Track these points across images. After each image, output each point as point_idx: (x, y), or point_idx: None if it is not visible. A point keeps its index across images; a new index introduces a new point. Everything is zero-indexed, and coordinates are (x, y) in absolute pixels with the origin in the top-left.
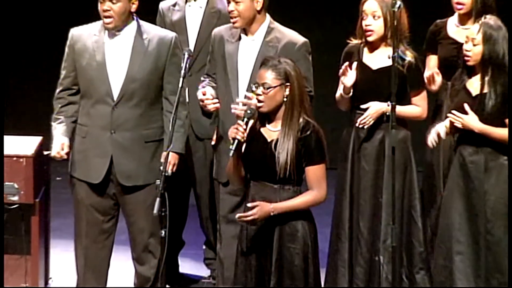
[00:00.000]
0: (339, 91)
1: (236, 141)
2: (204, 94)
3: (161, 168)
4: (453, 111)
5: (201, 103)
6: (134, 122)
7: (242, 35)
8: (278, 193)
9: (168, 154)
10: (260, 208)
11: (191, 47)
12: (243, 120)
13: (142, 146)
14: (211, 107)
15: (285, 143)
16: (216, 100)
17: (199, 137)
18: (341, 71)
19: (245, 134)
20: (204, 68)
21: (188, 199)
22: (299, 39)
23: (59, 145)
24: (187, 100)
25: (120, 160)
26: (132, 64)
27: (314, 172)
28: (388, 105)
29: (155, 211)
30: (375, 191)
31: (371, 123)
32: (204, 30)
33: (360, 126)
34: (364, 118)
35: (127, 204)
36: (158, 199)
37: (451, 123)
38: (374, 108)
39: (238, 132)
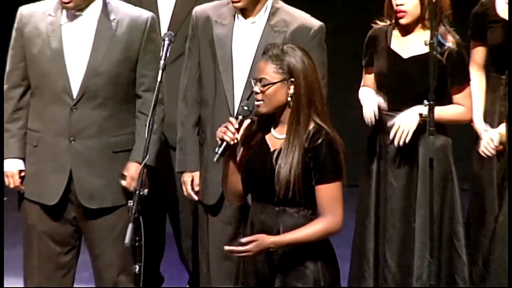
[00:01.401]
0: (362, 90)
1: (224, 143)
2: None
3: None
4: None
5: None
6: (99, 127)
7: (238, 17)
8: (280, 217)
9: (143, 167)
10: (256, 244)
11: (163, 31)
12: (236, 118)
13: (110, 157)
14: (226, 136)
15: (289, 155)
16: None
17: (174, 147)
18: None
19: (237, 136)
20: (181, 58)
21: (165, 224)
22: (314, 23)
23: (15, 175)
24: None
25: (81, 176)
26: (96, 52)
27: (326, 193)
28: (422, 115)
29: (127, 240)
30: (406, 214)
31: (409, 136)
32: (179, 11)
33: (397, 144)
34: (395, 135)
35: (91, 231)
36: (130, 225)
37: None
38: (403, 123)
39: (227, 132)
